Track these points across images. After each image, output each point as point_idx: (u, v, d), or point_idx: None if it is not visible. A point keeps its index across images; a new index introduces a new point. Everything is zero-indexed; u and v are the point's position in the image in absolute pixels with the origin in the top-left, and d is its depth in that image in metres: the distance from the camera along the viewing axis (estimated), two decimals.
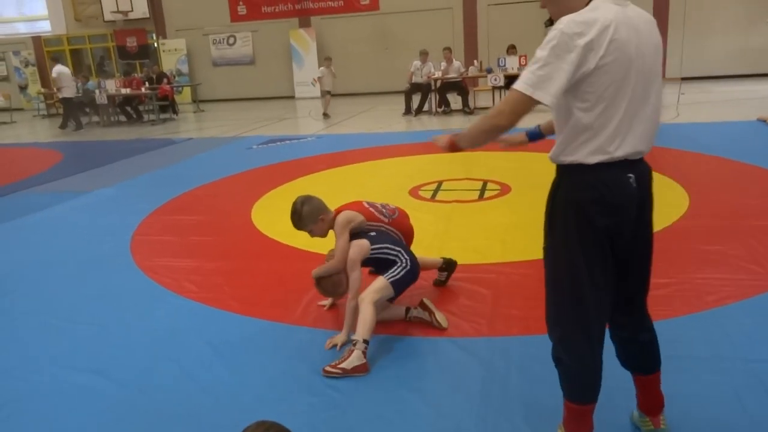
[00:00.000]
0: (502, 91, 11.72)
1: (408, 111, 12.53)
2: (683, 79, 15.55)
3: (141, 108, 14.60)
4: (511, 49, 12.57)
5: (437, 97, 12.52)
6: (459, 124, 11.01)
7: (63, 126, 13.48)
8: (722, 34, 15.27)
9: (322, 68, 12.83)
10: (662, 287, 3.36)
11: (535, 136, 2.42)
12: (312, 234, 3.24)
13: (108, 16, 19.01)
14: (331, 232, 3.25)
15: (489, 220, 4.83)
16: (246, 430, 1.47)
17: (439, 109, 12.54)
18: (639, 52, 1.72)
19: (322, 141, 9.75)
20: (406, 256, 3.09)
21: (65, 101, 13.39)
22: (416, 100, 12.54)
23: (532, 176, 5.18)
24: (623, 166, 1.78)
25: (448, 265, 3.61)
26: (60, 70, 13.26)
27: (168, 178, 7.47)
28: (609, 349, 2.01)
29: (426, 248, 3.80)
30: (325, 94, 12.83)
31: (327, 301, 3.42)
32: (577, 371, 1.92)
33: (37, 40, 20.46)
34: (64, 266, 4.41)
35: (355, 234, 3.17)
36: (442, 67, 12.32)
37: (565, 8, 1.78)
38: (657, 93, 1.82)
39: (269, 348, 3.01)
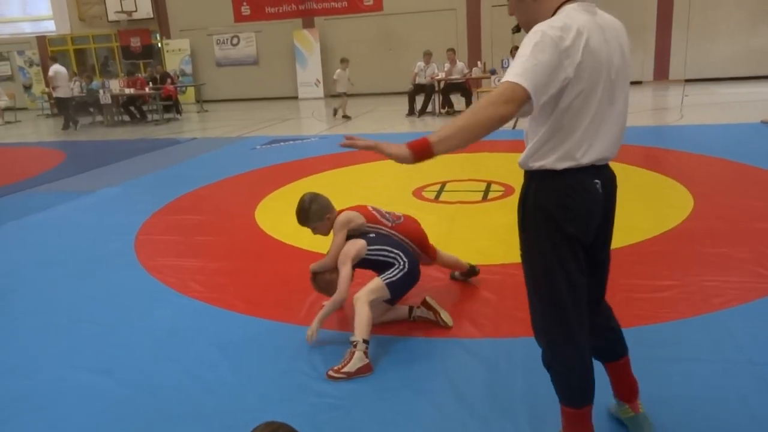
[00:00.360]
0: None
1: (411, 112, 12.53)
2: (687, 81, 15.53)
3: (145, 108, 14.62)
4: (515, 51, 12.55)
5: (440, 98, 12.52)
6: None
7: (65, 127, 13.51)
8: (726, 37, 15.24)
9: (338, 70, 12.58)
10: (667, 289, 3.36)
11: None
12: (315, 231, 3.26)
13: (112, 16, 19.05)
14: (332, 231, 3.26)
15: (493, 221, 4.83)
16: (254, 431, 1.47)
17: (442, 110, 12.54)
18: (608, 59, 1.73)
19: (325, 141, 9.75)
20: (404, 259, 3.08)
21: (59, 101, 13.43)
22: (419, 101, 12.53)
23: None
24: (590, 173, 1.79)
25: (470, 273, 3.67)
26: (57, 69, 13.29)
27: (172, 177, 7.48)
28: None
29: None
30: (341, 95, 12.59)
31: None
32: (567, 375, 1.94)
33: (42, 40, 20.51)
34: (68, 265, 4.41)
35: (354, 235, 3.19)
36: (446, 68, 12.32)
37: (532, 17, 1.79)
38: (624, 98, 1.83)
39: (273, 348, 3.01)
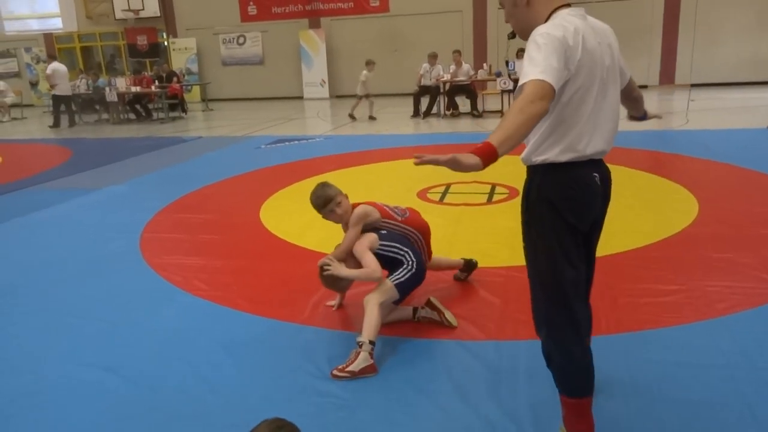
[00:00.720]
0: (511, 95, 11.71)
1: (416, 113, 12.54)
2: (693, 85, 15.50)
3: (150, 106, 14.68)
4: (521, 53, 12.54)
5: (446, 99, 12.52)
6: (467, 127, 11.02)
7: (54, 125, 13.56)
8: (733, 41, 15.21)
9: (365, 72, 12.36)
10: (671, 294, 3.36)
11: (642, 118, 2.45)
12: (329, 216, 3.22)
13: (119, 15, 19.13)
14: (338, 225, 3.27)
15: (497, 223, 4.83)
16: (257, 428, 1.47)
17: (447, 112, 12.54)
18: (601, 59, 1.84)
19: (330, 142, 9.77)
20: (412, 258, 3.10)
21: (54, 98, 13.47)
22: (425, 102, 12.54)
23: None
24: (590, 166, 1.90)
25: (468, 267, 3.68)
26: (55, 67, 13.31)
27: (177, 176, 7.50)
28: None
29: (434, 251, 3.80)
30: (368, 97, 12.41)
31: (335, 302, 3.43)
32: (568, 364, 1.99)
33: (49, 37, 20.60)
34: (73, 263, 4.43)
35: (366, 230, 3.19)
36: (451, 70, 12.31)
37: (526, 24, 1.91)
38: (615, 96, 1.94)
39: (277, 347, 3.02)
